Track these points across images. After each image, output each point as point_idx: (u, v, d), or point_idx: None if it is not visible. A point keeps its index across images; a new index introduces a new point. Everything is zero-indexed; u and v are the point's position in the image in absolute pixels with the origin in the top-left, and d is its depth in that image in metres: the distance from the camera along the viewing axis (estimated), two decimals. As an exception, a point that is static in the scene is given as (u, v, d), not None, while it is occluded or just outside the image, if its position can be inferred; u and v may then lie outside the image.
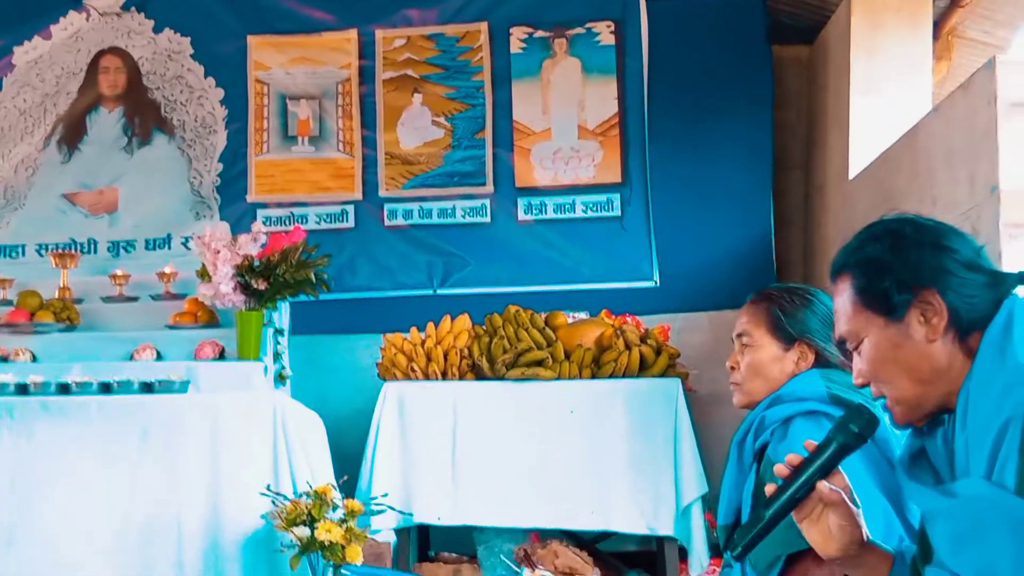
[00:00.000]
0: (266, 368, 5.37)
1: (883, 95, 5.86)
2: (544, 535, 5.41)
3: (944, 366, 2.08)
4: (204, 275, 5.45)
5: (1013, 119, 3.87)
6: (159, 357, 5.47)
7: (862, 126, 5.87)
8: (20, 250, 6.80)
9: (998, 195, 3.84)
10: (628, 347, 5.44)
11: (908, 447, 2.24)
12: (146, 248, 6.78)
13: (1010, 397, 1.91)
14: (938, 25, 6.08)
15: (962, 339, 2.07)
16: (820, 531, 2.20)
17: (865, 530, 2.21)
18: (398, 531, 5.31)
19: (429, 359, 5.48)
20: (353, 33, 6.93)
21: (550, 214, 6.68)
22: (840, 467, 2.19)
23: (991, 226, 3.85)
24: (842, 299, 2.22)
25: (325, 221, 6.76)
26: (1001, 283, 2.10)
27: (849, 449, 2.16)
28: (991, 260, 2.17)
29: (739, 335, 3.23)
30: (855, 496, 2.19)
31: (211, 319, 5.77)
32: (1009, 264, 3.35)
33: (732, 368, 3.26)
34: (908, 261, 2.11)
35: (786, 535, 2.66)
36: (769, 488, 2.20)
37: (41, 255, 6.68)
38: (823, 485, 2.14)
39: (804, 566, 2.83)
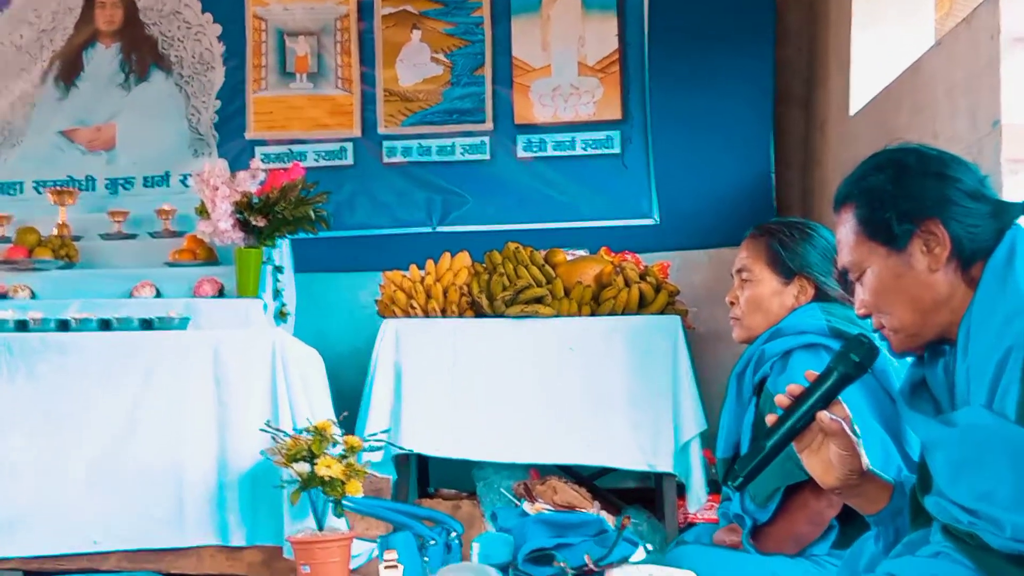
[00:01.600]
0: (265, 305, 5.37)
1: (885, 30, 5.81)
2: (543, 472, 5.43)
3: (946, 296, 2.08)
4: (203, 212, 5.43)
5: (1015, 53, 3.83)
6: (158, 294, 5.46)
7: (863, 62, 5.82)
8: (18, 187, 6.77)
9: (1000, 129, 3.81)
10: (627, 284, 5.44)
11: (909, 377, 2.24)
12: (144, 185, 6.75)
13: (1012, 326, 1.91)
14: (941, -40, 6.03)
15: (964, 269, 2.07)
16: (820, 461, 2.21)
17: (865, 460, 2.22)
18: (397, 467, 5.33)
19: (428, 296, 5.48)
20: (351, -32, 6.88)
21: (550, 151, 6.65)
22: (840, 398, 2.19)
23: (992, 161, 3.83)
24: (845, 229, 2.21)
25: (324, 158, 6.73)
26: (1004, 213, 2.10)
27: (850, 379, 2.17)
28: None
29: (739, 270, 3.24)
30: (855, 426, 2.20)
31: (210, 256, 5.76)
32: (1011, 199, 3.33)
33: (732, 303, 3.27)
34: (911, 191, 2.11)
35: (784, 467, 2.68)
36: (770, 418, 2.21)
37: (39, 192, 6.65)
38: (824, 415, 2.15)
39: (803, 498, 2.86)
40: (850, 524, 2.81)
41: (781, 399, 2.20)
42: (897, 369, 2.80)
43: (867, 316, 2.20)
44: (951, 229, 2.07)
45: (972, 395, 1.98)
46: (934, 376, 2.17)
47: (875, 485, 2.27)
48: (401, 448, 5.14)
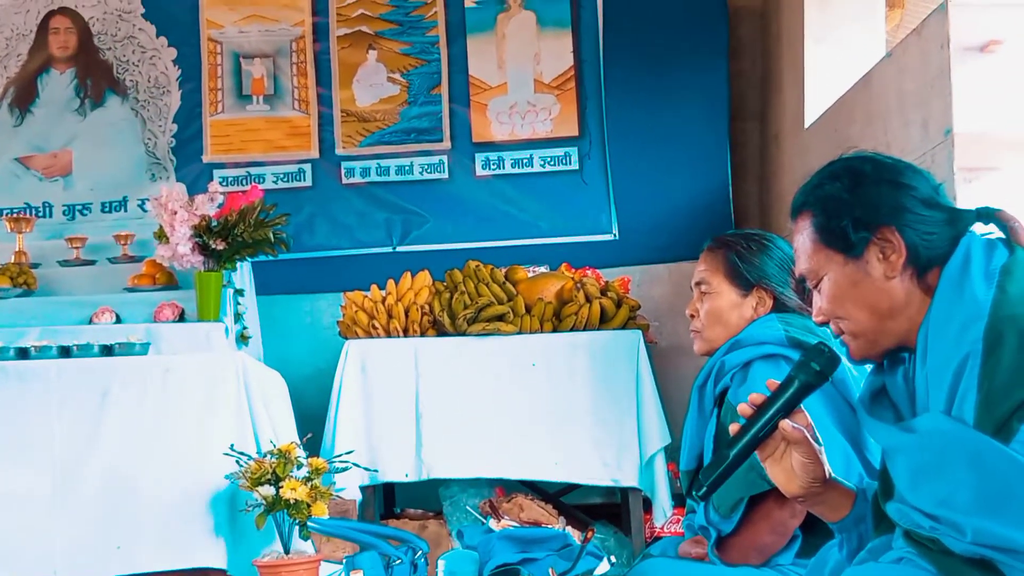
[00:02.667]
0: (227, 329, 5.35)
1: (837, 42, 5.87)
2: (509, 489, 5.44)
3: (902, 303, 2.10)
4: (161, 237, 5.41)
5: (966, 62, 3.88)
6: (118, 320, 5.43)
7: (817, 74, 5.88)
8: (-26, 216, 6.75)
9: (952, 138, 3.86)
10: (588, 300, 5.46)
11: (869, 385, 2.26)
12: (102, 211, 6.73)
13: (968, 332, 1.93)
14: (891, -28, 6.09)
15: (920, 276, 2.09)
16: (783, 469, 2.22)
17: (827, 467, 2.23)
18: (363, 489, 5.32)
19: (390, 316, 5.48)
20: (306, -11, 6.88)
21: (508, 169, 6.67)
22: (801, 406, 2.21)
23: (945, 170, 3.88)
24: (802, 237, 2.23)
25: (282, 180, 6.72)
26: (959, 220, 2.12)
27: (811, 387, 2.18)
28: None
29: (698, 283, 3.25)
30: (817, 434, 2.22)
31: (170, 281, 5.74)
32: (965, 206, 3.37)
33: (692, 316, 3.28)
34: (867, 199, 2.13)
35: (747, 477, 2.70)
36: (733, 428, 2.22)
37: (-5, 220, 6.63)
38: (786, 423, 2.17)
39: (766, 508, 2.87)
40: (813, 533, 2.83)
41: (744, 408, 2.21)
42: (856, 378, 2.82)
43: (825, 323, 2.22)
44: (906, 236, 2.09)
45: (931, 402, 2.00)
46: (894, 383, 2.19)
47: (838, 492, 2.28)
48: (367, 469, 5.13)
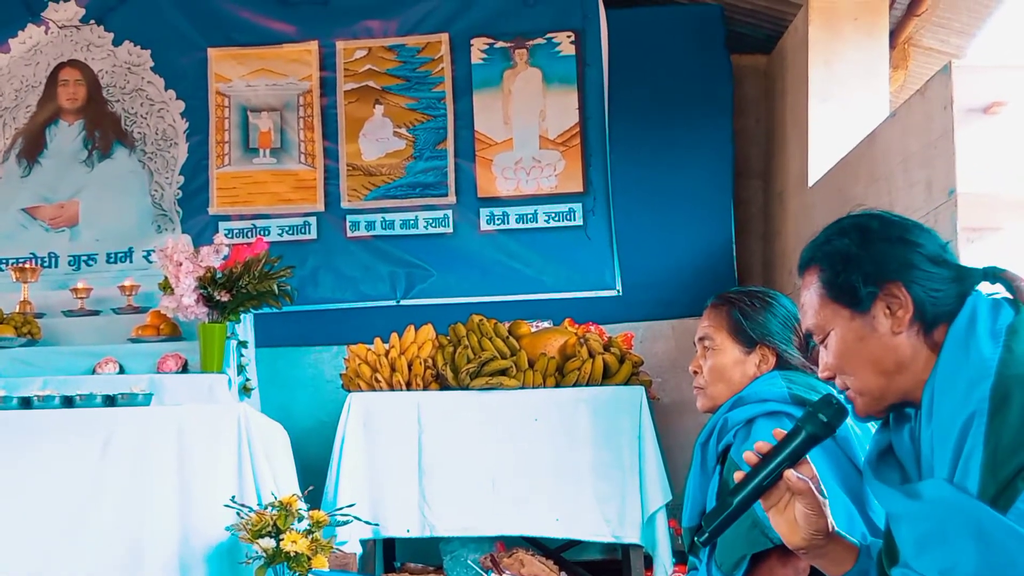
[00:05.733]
0: (230, 380, 5.35)
1: (841, 102, 5.91)
2: (509, 544, 5.42)
3: (908, 359, 2.10)
4: (166, 288, 5.43)
5: (969, 123, 3.92)
6: (121, 371, 5.44)
7: (821, 133, 5.92)
8: (-20, 265, 6.76)
9: (955, 198, 3.88)
10: (592, 355, 5.46)
11: (875, 445, 2.25)
12: (107, 262, 6.74)
13: (974, 392, 1.93)
14: (894, 34, 6.14)
15: (927, 333, 2.10)
16: (786, 520, 2.22)
17: (831, 521, 2.23)
18: (364, 542, 5.31)
19: (393, 369, 5.48)
20: (314, 45, 6.91)
21: (512, 224, 6.69)
22: (807, 457, 2.21)
23: (949, 230, 3.90)
24: (809, 293, 2.23)
25: (287, 233, 6.74)
26: (966, 278, 2.13)
27: (817, 439, 2.18)
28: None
29: (701, 339, 3.25)
30: (822, 486, 2.22)
31: (173, 332, 5.74)
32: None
33: (695, 372, 3.27)
34: (875, 255, 2.14)
35: (750, 535, 2.69)
36: (737, 476, 2.22)
37: (1, 269, 6.62)
38: (791, 474, 2.16)
39: (769, 565, 2.85)
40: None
41: (749, 456, 2.21)
42: (859, 437, 2.81)
43: (831, 379, 2.22)
44: (913, 292, 2.10)
45: (936, 461, 2.00)
46: (900, 442, 2.18)
47: (841, 546, 2.28)
48: (368, 523, 5.11)
